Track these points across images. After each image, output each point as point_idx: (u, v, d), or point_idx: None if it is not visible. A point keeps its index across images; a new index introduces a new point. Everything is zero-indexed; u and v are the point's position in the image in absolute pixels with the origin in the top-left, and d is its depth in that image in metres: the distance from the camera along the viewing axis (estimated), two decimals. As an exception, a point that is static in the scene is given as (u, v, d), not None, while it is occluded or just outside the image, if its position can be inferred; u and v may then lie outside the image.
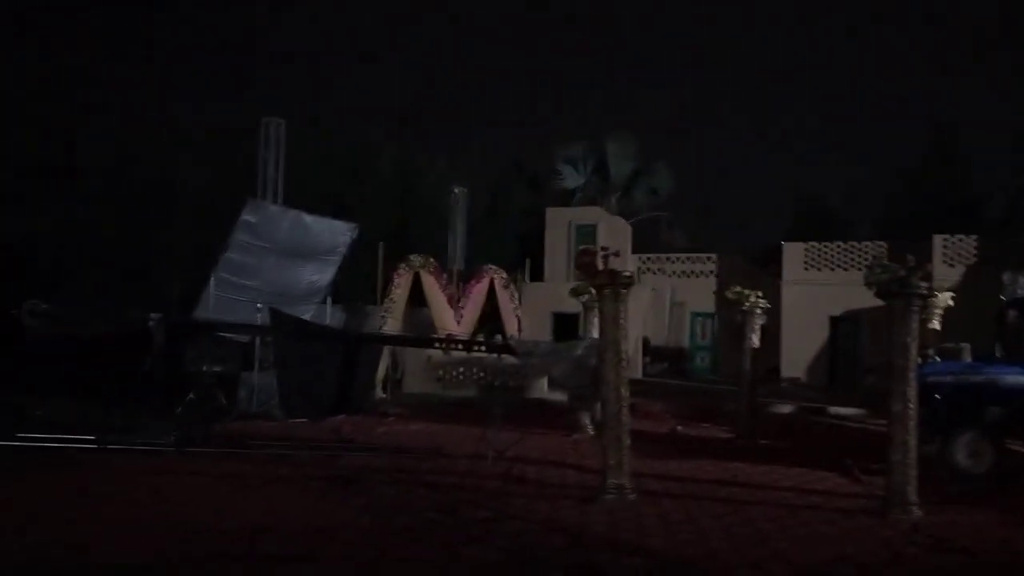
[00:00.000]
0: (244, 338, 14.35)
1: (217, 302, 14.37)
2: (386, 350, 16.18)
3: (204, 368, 13.86)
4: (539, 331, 20.81)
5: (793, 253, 24.10)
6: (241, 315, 13.86)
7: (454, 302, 18.71)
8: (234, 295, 14.61)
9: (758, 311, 11.99)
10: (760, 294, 11.98)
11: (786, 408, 16.42)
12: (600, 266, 7.87)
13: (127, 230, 20.90)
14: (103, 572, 5.22)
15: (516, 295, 20.02)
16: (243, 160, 19.11)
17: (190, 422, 11.64)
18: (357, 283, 20.26)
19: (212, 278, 14.57)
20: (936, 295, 12.28)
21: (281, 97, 33.55)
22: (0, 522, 6.18)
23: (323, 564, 5.39)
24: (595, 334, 11.94)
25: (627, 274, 7.88)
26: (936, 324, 13.75)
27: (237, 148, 21.52)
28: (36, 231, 18.87)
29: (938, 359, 13.40)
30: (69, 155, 20.43)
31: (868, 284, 7.56)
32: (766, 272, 24.43)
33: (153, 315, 11.98)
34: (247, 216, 14.98)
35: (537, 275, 24.66)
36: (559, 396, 15.28)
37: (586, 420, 12.14)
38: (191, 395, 13.26)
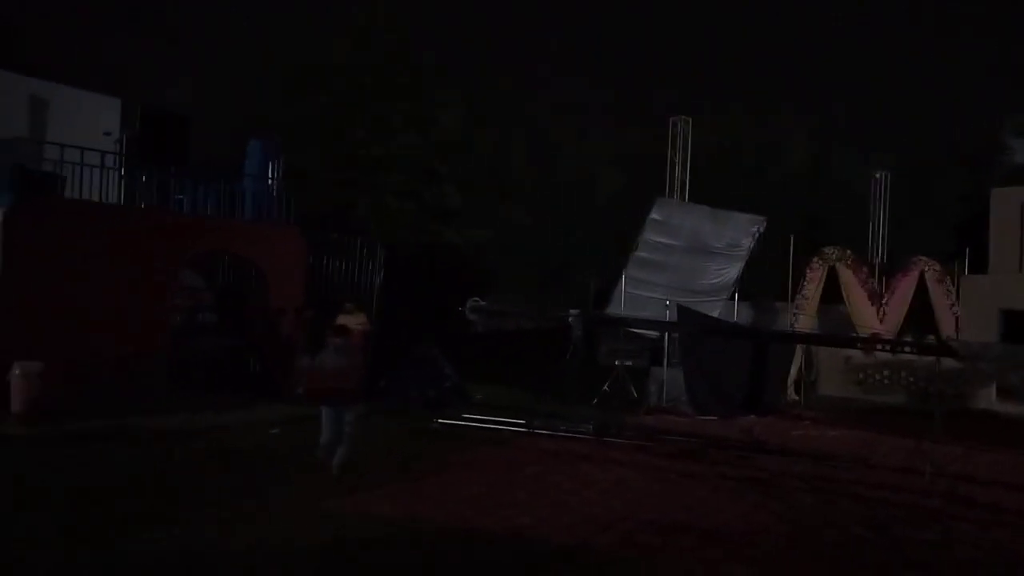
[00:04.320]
0: (653, 334, 14.68)
1: (628, 299, 14.94)
2: (798, 349, 15.27)
3: (617, 362, 14.52)
4: (982, 331, 17.90)
5: None
6: (650, 311, 14.21)
7: (876, 298, 16.98)
8: (643, 292, 15.06)
9: None
10: None
11: None
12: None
13: (550, 233, 22.90)
14: (532, 550, 5.61)
15: (953, 290, 17.50)
16: (652, 159, 19.68)
17: (606, 412, 12.23)
18: (765, 278, 19.54)
19: (623, 276, 15.20)
20: None
21: (687, 93, 33.86)
22: (443, 489, 7.04)
23: (745, 567, 5.15)
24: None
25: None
26: None
27: (646, 147, 22.26)
28: (475, 239, 21.60)
29: None
30: (499, 171, 23.06)
31: None
32: None
33: (572, 311, 12.84)
34: (655, 215, 15.39)
35: (979, 267, 21.33)
36: (1013, 408, 13.00)
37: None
38: (606, 387, 13.97)
